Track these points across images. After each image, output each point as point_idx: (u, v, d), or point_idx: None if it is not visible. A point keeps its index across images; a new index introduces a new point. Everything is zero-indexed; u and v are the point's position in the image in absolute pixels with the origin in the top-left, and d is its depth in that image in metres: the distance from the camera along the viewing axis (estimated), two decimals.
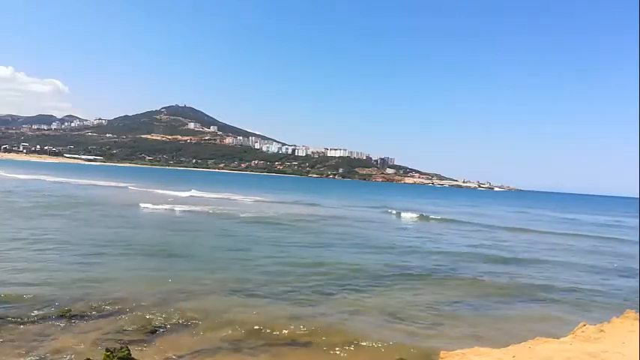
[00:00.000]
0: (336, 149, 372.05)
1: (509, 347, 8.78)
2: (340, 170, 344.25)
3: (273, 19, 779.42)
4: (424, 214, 54.44)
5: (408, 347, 11.19)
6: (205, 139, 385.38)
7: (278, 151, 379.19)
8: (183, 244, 24.20)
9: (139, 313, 12.22)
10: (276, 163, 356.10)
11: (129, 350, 9.03)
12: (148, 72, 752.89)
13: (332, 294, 15.90)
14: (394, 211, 56.21)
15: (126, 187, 70.07)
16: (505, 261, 25.63)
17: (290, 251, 24.00)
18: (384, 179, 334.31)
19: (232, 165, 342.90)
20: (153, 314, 12.21)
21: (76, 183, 73.43)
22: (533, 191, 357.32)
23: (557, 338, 9.40)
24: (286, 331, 11.68)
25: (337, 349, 10.86)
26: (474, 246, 30.86)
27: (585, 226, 55.86)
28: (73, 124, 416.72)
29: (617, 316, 10.78)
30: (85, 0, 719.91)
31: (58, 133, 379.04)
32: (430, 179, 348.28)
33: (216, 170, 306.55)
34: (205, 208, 44.05)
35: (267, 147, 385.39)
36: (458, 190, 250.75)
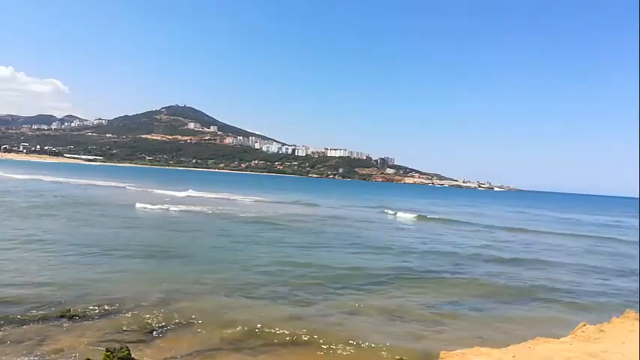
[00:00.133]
0: (336, 149, 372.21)
1: (509, 347, 8.78)
2: (340, 170, 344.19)
3: (273, 19, 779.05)
4: (424, 215, 54.45)
5: (407, 347, 11.19)
6: (205, 139, 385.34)
7: (278, 151, 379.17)
8: (183, 244, 24.21)
9: (139, 313, 12.22)
10: (276, 163, 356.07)
11: (129, 350, 9.03)
12: (148, 72, 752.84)
13: (332, 294, 15.90)
14: (394, 212, 56.20)
15: (124, 187, 70.07)
16: (505, 261, 25.63)
17: (290, 251, 24.00)
18: (384, 179, 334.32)
19: (232, 165, 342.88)
20: (153, 314, 12.21)
21: (75, 183, 73.45)
22: (533, 191, 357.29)
23: (557, 338, 9.40)
24: (286, 331, 11.68)
25: (337, 349, 10.86)
26: (473, 246, 30.87)
27: (585, 226, 55.90)
28: (73, 124, 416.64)
29: (617, 316, 10.78)
30: (85, 0, 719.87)
31: (58, 133, 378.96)
32: (430, 179, 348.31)
33: (217, 170, 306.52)
34: (204, 208, 44.04)
35: (267, 147, 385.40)
36: (458, 190, 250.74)
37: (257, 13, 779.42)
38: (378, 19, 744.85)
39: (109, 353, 8.78)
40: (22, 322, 11.10)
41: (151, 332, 11.12)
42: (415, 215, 53.06)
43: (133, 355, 9.03)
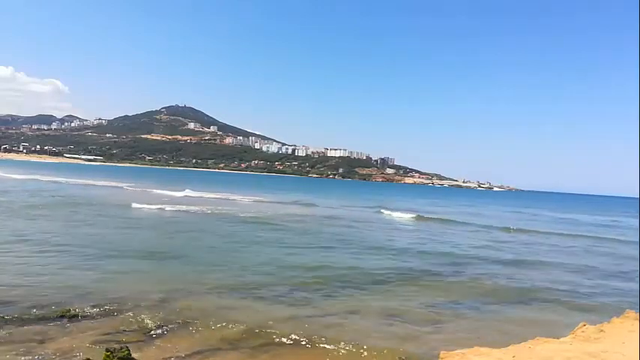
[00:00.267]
0: (336, 149, 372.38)
1: (509, 347, 8.77)
2: (340, 170, 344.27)
3: (273, 19, 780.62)
4: (423, 215, 54.43)
5: (407, 347, 11.19)
6: (205, 139, 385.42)
7: (278, 151, 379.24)
8: (182, 244, 24.20)
9: (139, 313, 12.21)
10: (276, 163, 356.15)
11: (129, 350, 9.02)
12: (148, 72, 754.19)
13: (331, 294, 15.90)
14: (393, 212, 56.19)
15: (122, 187, 70.05)
16: (504, 261, 25.63)
17: (289, 251, 23.98)
18: (384, 179, 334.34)
19: (232, 165, 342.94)
20: (153, 314, 12.20)
21: (74, 183, 73.45)
22: (533, 191, 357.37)
23: (557, 338, 9.39)
24: (286, 331, 11.67)
25: (337, 349, 10.85)
26: (473, 246, 30.87)
27: (585, 227, 55.89)
28: (73, 124, 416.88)
29: (617, 316, 10.77)
30: (85, 0, 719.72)
31: (58, 133, 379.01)
32: (430, 179, 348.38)
33: (216, 170, 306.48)
34: (203, 209, 44.00)
35: (267, 147, 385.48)
36: (458, 190, 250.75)
37: (257, 13, 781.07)
38: (378, 19, 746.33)
39: (109, 353, 8.77)
40: (22, 322, 11.10)
41: (151, 332, 11.11)
42: (415, 215, 53.03)
43: (133, 355, 9.02)
